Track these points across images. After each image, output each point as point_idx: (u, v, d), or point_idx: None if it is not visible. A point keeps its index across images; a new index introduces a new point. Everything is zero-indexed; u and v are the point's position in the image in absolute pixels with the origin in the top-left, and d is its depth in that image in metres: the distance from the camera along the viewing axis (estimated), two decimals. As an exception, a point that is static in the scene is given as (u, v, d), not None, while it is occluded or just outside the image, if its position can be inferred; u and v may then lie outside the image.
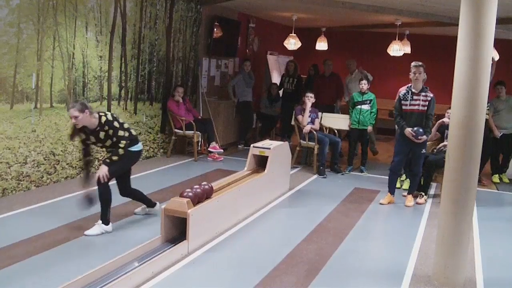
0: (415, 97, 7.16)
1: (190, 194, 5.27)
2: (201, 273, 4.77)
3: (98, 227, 5.61)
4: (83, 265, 4.62)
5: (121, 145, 5.54)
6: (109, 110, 8.28)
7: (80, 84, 7.72)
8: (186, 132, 9.55)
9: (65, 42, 7.32)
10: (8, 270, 4.57)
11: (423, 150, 7.33)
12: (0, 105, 6.44)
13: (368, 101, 9.33)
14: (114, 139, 5.55)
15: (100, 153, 7.75)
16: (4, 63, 6.43)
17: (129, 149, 5.68)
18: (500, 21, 6.31)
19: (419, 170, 7.46)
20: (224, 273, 4.80)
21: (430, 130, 7.37)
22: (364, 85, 9.31)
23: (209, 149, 9.77)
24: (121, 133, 5.57)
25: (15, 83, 6.62)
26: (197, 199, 5.33)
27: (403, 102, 7.26)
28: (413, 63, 7.16)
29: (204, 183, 5.66)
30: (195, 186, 5.49)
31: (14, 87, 6.61)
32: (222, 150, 9.90)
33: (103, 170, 5.49)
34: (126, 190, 6.05)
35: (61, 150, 7.43)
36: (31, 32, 6.76)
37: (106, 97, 8.26)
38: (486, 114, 8.69)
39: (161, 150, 9.83)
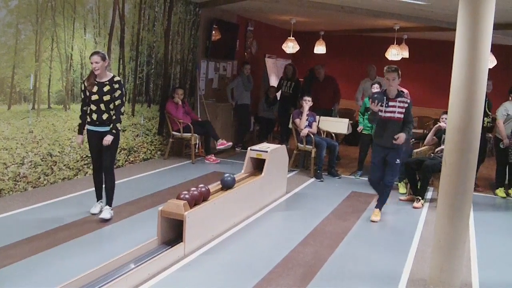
0: (390, 103, 6.52)
1: (187, 196, 5.27)
2: (197, 276, 4.77)
3: (108, 211, 6.11)
4: (79, 266, 4.61)
5: (123, 110, 6.04)
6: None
7: (78, 86, 7.71)
8: (184, 134, 9.56)
9: (63, 43, 7.33)
10: (5, 270, 4.56)
11: (397, 160, 6.65)
12: (-3, 105, 6.45)
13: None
14: (116, 102, 5.95)
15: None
16: (2, 64, 6.43)
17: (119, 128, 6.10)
18: (497, 26, 6.34)
19: (391, 181, 6.78)
20: (220, 276, 4.80)
21: (410, 135, 6.86)
22: (377, 89, 9.34)
23: (218, 147, 9.88)
24: (123, 100, 6.03)
25: (13, 84, 6.62)
26: (194, 202, 5.33)
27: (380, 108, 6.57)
28: (386, 68, 6.56)
29: (201, 185, 5.66)
30: (192, 188, 5.49)
31: (12, 88, 6.61)
32: (231, 143, 10.08)
33: (109, 138, 5.91)
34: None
35: (58, 151, 7.43)
36: (30, 33, 6.76)
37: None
38: (489, 119, 8.65)
39: (159, 152, 9.83)
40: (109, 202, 6.20)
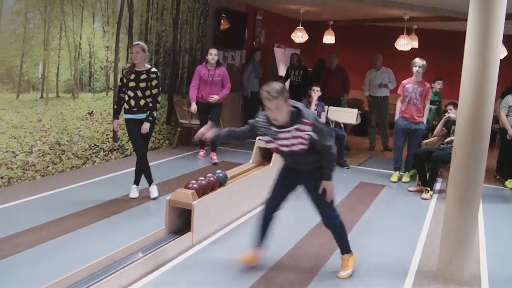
0: (282, 135, 4.30)
1: (195, 185, 5.26)
2: (205, 265, 4.76)
3: (155, 188, 6.65)
4: (87, 254, 4.61)
5: (159, 99, 6.48)
6: (115, 100, 8.27)
7: (87, 74, 7.72)
8: (192, 123, 9.55)
9: (71, 32, 7.31)
10: (13, 258, 4.59)
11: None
12: (6, 94, 6.45)
13: (438, 103, 9.45)
14: (153, 91, 6.34)
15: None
16: (10, 52, 6.43)
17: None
18: (509, 16, 6.26)
19: (331, 217, 4.68)
20: (228, 265, 4.79)
21: (330, 173, 4.45)
22: (438, 84, 9.71)
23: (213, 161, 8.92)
24: (159, 90, 6.44)
25: (21, 72, 6.62)
26: (202, 191, 5.33)
27: (262, 137, 4.55)
28: (263, 94, 4.20)
29: (209, 174, 5.65)
30: (200, 178, 5.48)
31: (20, 76, 6.61)
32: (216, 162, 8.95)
33: (147, 126, 6.34)
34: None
35: (67, 140, 7.44)
36: (38, 22, 6.75)
37: (112, 88, 8.25)
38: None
39: (167, 142, 9.83)
40: (150, 180, 6.64)
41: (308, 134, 4.20)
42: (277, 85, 4.20)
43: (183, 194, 5.13)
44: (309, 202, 4.66)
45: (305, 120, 4.20)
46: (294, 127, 4.22)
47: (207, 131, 4.61)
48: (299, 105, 4.29)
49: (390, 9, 10.54)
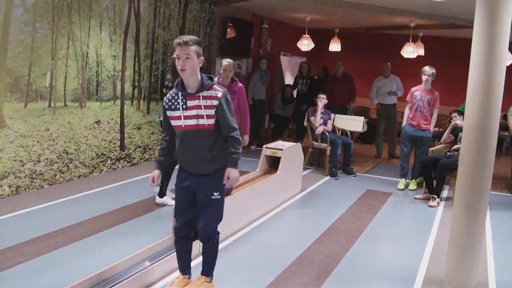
0: (190, 103, 3.82)
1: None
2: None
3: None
4: (94, 263, 4.63)
5: None
6: (122, 109, 8.32)
7: (94, 83, 7.76)
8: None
9: (79, 41, 7.36)
10: (20, 267, 4.59)
11: (216, 193, 4.04)
12: (14, 103, 6.49)
13: None
14: None
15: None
16: (19, 61, 6.48)
17: None
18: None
19: (209, 229, 4.18)
20: (235, 274, 4.79)
21: (235, 163, 3.92)
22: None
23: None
24: None
25: (29, 81, 6.67)
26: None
27: (169, 113, 3.90)
28: (175, 41, 3.72)
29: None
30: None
31: (28, 85, 6.66)
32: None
33: None
34: None
35: (74, 149, 7.47)
36: (46, 31, 6.80)
37: (120, 97, 8.30)
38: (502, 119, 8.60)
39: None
40: (165, 191, 6.67)
41: (217, 102, 3.76)
42: (194, 36, 3.76)
43: (190, 202, 5.12)
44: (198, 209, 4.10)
45: (216, 87, 3.81)
46: (203, 93, 3.78)
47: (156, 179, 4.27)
48: (213, 78, 3.93)
49: (396, 17, 10.56)
